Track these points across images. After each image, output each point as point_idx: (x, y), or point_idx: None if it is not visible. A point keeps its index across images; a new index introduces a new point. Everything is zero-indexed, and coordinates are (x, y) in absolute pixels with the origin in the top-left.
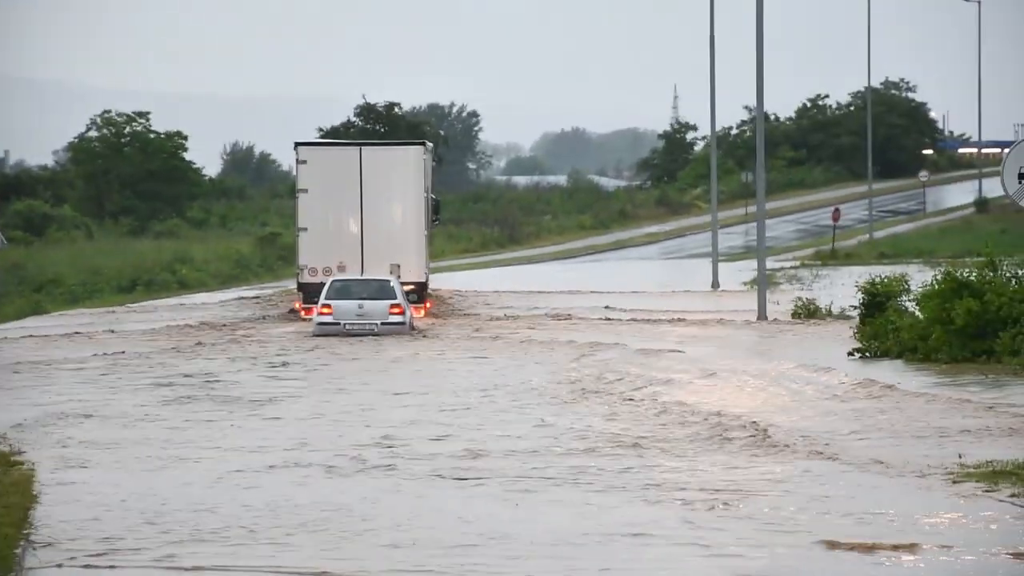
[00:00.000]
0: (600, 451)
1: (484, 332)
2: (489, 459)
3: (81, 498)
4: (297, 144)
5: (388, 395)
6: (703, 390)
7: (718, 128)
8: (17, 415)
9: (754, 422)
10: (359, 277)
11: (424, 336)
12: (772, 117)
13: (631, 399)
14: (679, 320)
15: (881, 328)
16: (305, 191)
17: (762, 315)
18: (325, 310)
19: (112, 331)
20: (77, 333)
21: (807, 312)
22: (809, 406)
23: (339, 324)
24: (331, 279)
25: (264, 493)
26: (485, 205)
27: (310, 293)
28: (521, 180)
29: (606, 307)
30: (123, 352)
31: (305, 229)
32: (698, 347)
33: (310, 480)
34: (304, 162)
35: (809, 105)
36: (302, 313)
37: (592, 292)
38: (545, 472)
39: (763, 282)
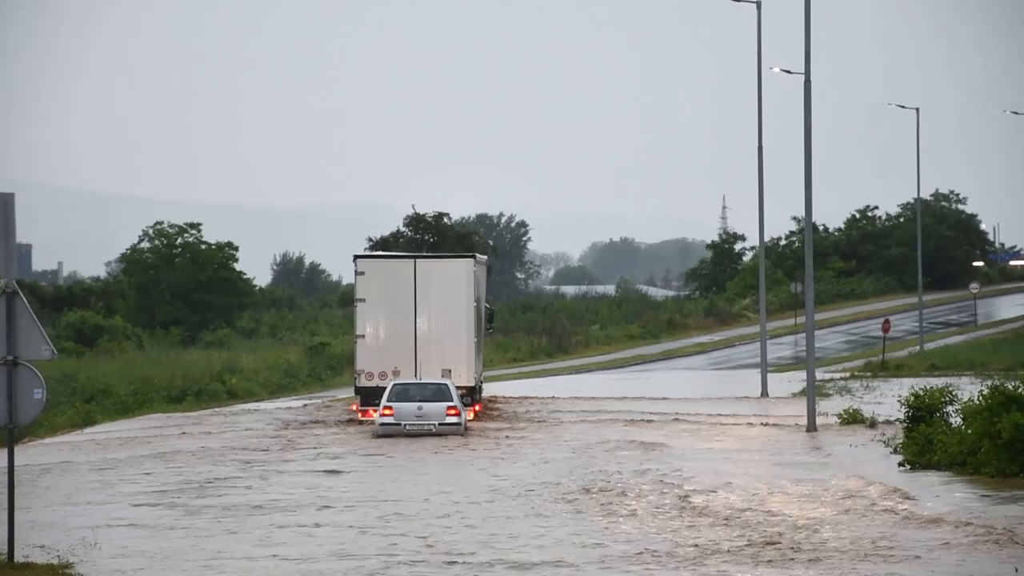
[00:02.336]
0: (655, 560)
1: (537, 434)
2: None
3: None
4: (356, 257)
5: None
6: (754, 496)
7: (767, 238)
8: (65, 522)
9: (808, 529)
10: (418, 381)
11: (474, 436)
12: (821, 228)
13: (683, 506)
14: (727, 424)
15: (924, 440)
16: (363, 300)
17: (811, 426)
18: (387, 411)
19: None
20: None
21: (854, 420)
22: (867, 523)
23: (400, 425)
24: (392, 383)
25: None
26: (534, 314)
27: (367, 396)
28: (570, 289)
29: (651, 412)
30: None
31: (363, 336)
32: (746, 452)
33: None
34: (362, 273)
35: (858, 216)
36: (359, 416)
37: (641, 398)
38: None
39: (812, 392)
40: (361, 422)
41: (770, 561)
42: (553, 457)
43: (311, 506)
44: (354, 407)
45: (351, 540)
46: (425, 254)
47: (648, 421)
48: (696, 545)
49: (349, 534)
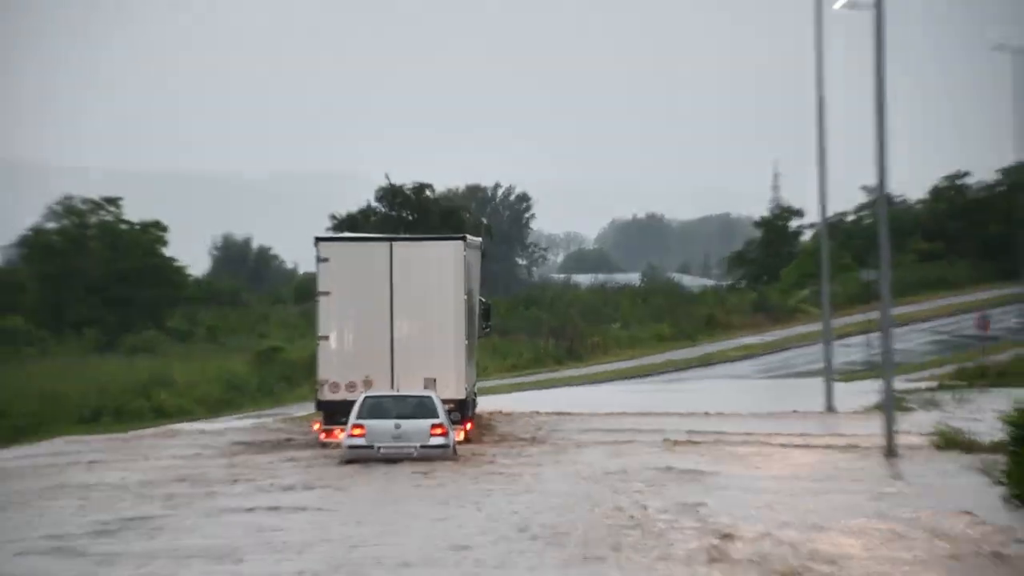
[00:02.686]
0: None
1: (544, 459)
2: None
3: None
4: (317, 239)
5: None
6: (813, 540)
7: (830, 213)
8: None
9: None
10: (395, 393)
11: (464, 461)
12: (899, 200)
13: (719, 555)
14: (780, 446)
15: None
16: (327, 293)
17: (891, 449)
18: (357, 431)
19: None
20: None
21: (952, 443)
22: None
23: (372, 447)
24: (363, 395)
25: None
26: (539, 310)
27: (332, 413)
28: (584, 279)
29: (688, 432)
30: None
31: (326, 338)
32: (806, 483)
33: None
34: (325, 260)
35: (946, 185)
36: (322, 436)
37: (669, 414)
38: None
39: (890, 407)
40: (324, 444)
41: None
42: (561, 490)
43: (253, 552)
44: (316, 426)
45: None
46: (404, 236)
47: (682, 442)
48: None
49: None
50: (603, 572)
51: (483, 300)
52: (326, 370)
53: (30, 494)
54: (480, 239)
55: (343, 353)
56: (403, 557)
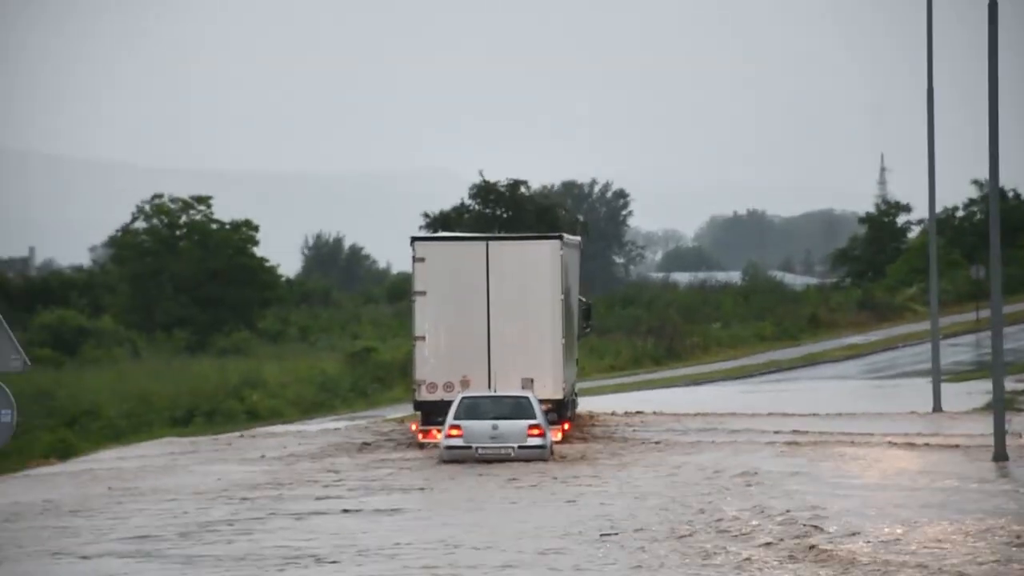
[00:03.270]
0: None
1: (646, 460)
2: None
3: None
4: (413, 239)
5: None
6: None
7: (939, 208)
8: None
9: None
10: (492, 394)
11: (562, 462)
12: (1011, 194)
13: (806, 555)
14: (879, 446)
15: None
16: (423, 293)
17: (1000, 452)
18: (454, 432)
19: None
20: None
21: None
22: None
23: (470, 448)
24: (459, 396)
25: None
26: (636, 310)
27: (430, 413)
28: (683, 277)
29: (793, 431)
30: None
31: (423, 338)
32: (905, 485)
33: None
34: (421, 260)
35: None
36: (420, 437)
37: (772, 415)
38: None
39: (1001, 408)
40: (422, 445)
41: None
42: (654, 491)
43: (343, 555)
44: (414, 426)
45: None
46: (500, 235)
47: (785, 443)
48: None
49: None
50: (695, 572)
51: (583, 299)
52: (423, 370)
53: (132, 494)
54: (579, 238)
55: (439, 353)
56: (495, 560)
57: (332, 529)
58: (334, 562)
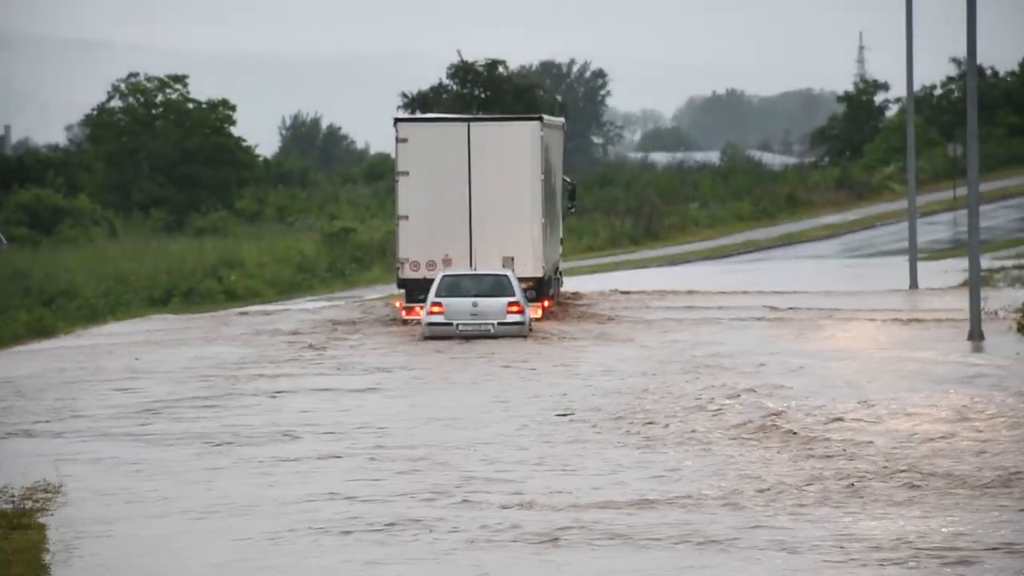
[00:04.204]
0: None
1: (621, 336)
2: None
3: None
4: (396, 120)
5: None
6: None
7: (917, 87)
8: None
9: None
10: (472, 272)
11: (537, 339)
12: (988, 71)
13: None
14: (850, 319)
15: None
16: (406, 174)
17: (976, 331)
18: (435, 309)
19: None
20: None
21: None
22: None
23: (451, 324)
24: (440, 274)
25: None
26: (615, 190)
27: (412, 290)
28: (661, 157)
29: (769, 307)
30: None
31: (406, 217)
32: (876, 363)
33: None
34: (405, 140)
35: None
36: (403, 314)
37: (758, 292)
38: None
39: (976, 285)
40: (406, 321)
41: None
42: (625, 368)
43: (306, 432)
44: (397, 303)
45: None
46: (481, 116)
47: (761, 318)
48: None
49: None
50: (654, 448)
51: (567, 180)
52: (406, 248)
53: (110, 372)
54: (562, 119)
55: (422, 232)
56: (452, 439)
57: (303, 406)
58: (297, 438)
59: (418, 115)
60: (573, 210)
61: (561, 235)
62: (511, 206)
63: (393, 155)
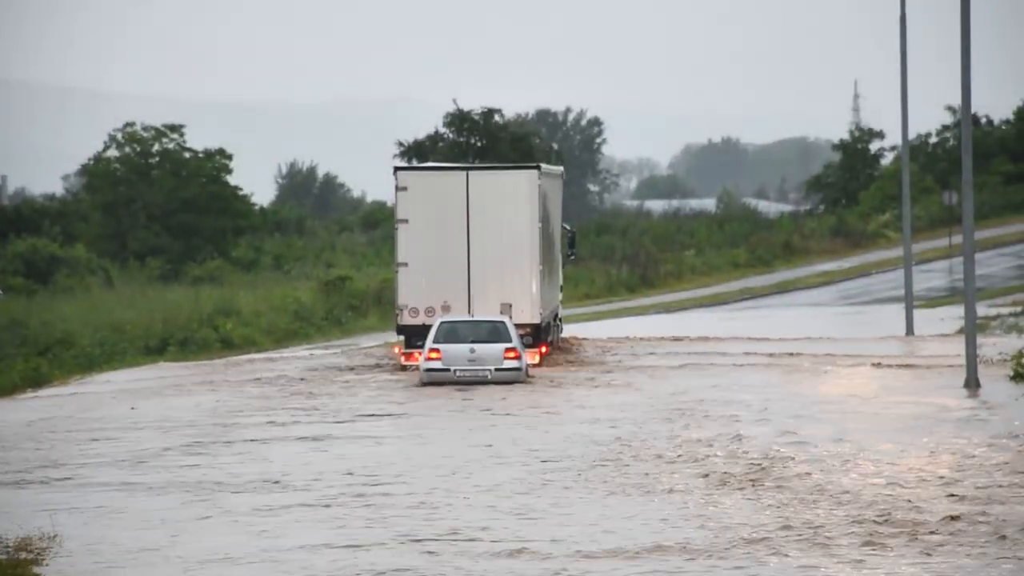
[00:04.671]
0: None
1: (622, 382)
2: None
3: None
4: (396, 169)
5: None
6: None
7: (912, 135)
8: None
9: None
10: (470, 318)
11: (538, 384)
12: (983, 120)
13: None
14: (852, 364)
15: None
16: (406, 221)
17: (972, 379)
18: (433, 355)
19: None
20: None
21: None
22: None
23: (449, 370)
24: (439, 320)
25: None
26: (611, 238)
27: (411, 336)
28: (657, 205)
29: (766, 355)
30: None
31: (406, 264)
32: (878, 398)
33: None
34: (404, 189)
35: None
36: (403, 360)
37: (741, 339)
38: None
39: (972, 333)
40: (404, 367)
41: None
42: (611, 416)
43: (297, 477)
44: (397, 349)
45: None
46: (480, 165)
47: (757, 364)
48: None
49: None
50: (631, 496)
51: (567, 227)
52: (406, 295)
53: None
54: (561, 168)
55: (421, 279)
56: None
57: (295, 453)
58: (276, 482)
59: (417, 164)
60: (573, 257)
61: (561, 282)
62: (509, 253)
63: (392, 203)
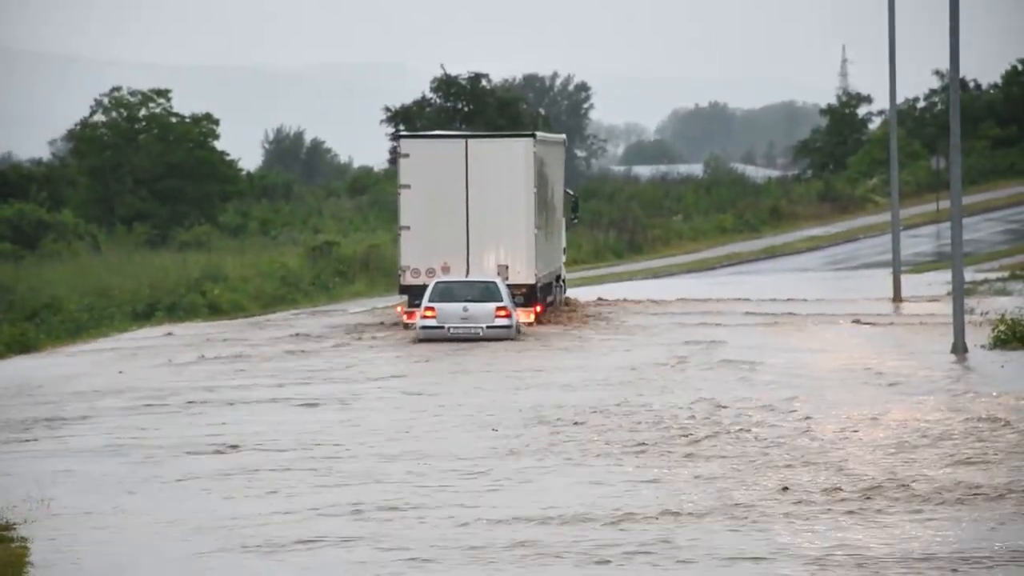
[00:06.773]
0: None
1: (606, 339)
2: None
3: None
4: (399, 136)
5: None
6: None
7: (900, 100)
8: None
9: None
10: (463, 279)
11: (528, 341)
12: (971, 84)
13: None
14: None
15: None
16: (408, 187)
17: (959, 344)
18: (429, 313)
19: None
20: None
21: (1014, 336)
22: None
23: (443, 328)
24: (434, 280)
25: None
26: (598, 203)
27: (414, 296)
28: (644, 170)
29: (745, 313)
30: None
31: (408, 228)
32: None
33: None
34: (407, 156)
35: (1021, 68)
36: (405, 318)
37: (727, 300)
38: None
39: (960, 299)
40: (407, 325)
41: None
42: (589, 377)
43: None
44: (400, 308)
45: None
46: (478, 133)
47: (742, 323)
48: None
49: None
50: (622, 461)
51: (570, 192)
52: (408, 257)
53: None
54: (563, 136)
55: (422, 241)
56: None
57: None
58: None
59: (420, 132)
60: (576, 221)
61: (564, 244)
62: (505, 217)
63: (379, 168)
